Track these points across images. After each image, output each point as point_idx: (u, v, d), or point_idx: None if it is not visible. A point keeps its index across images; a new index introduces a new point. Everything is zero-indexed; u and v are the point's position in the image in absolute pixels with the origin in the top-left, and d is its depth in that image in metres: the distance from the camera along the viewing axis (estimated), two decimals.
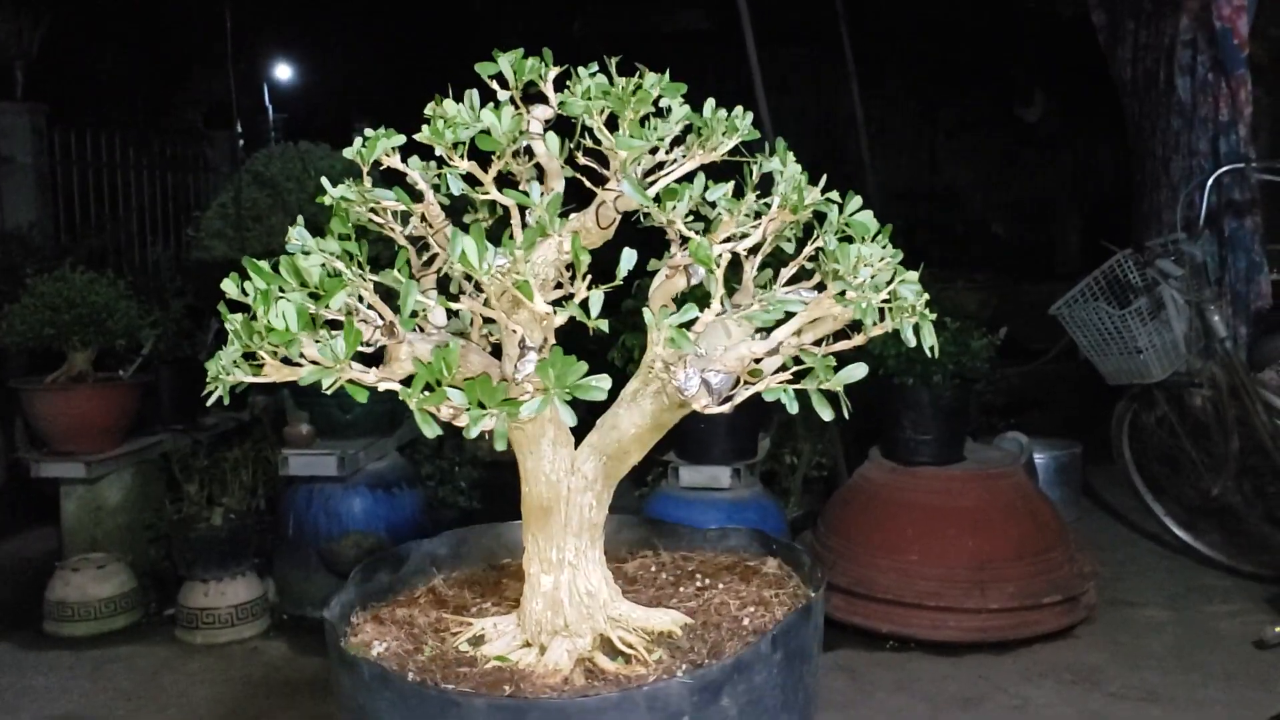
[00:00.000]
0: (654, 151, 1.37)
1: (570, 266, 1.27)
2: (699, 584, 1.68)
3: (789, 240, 1.44)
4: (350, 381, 1.23)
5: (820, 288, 1.40)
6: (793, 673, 1.40)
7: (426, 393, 1.16)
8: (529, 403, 1.14)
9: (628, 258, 1.28)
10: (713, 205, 1.38)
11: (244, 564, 3.99)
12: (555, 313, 1.25)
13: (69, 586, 3.98)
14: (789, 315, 1.37)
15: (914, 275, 1.36)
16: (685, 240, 1.35)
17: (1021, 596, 3.61)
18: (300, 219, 1.44)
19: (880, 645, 3.65)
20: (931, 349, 1.39)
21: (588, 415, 1.36)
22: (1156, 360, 4.06)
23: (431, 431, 1.17)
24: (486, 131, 1.34)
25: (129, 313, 4.22)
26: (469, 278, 1.32)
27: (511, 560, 1.77)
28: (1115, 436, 4.52)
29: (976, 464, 3.90)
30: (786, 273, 1.42)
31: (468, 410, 1.14)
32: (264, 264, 1.30)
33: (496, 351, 1.43)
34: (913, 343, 1.38)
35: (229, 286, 1.29)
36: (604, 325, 1.24)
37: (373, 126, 1.51)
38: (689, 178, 1.39)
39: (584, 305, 1.25)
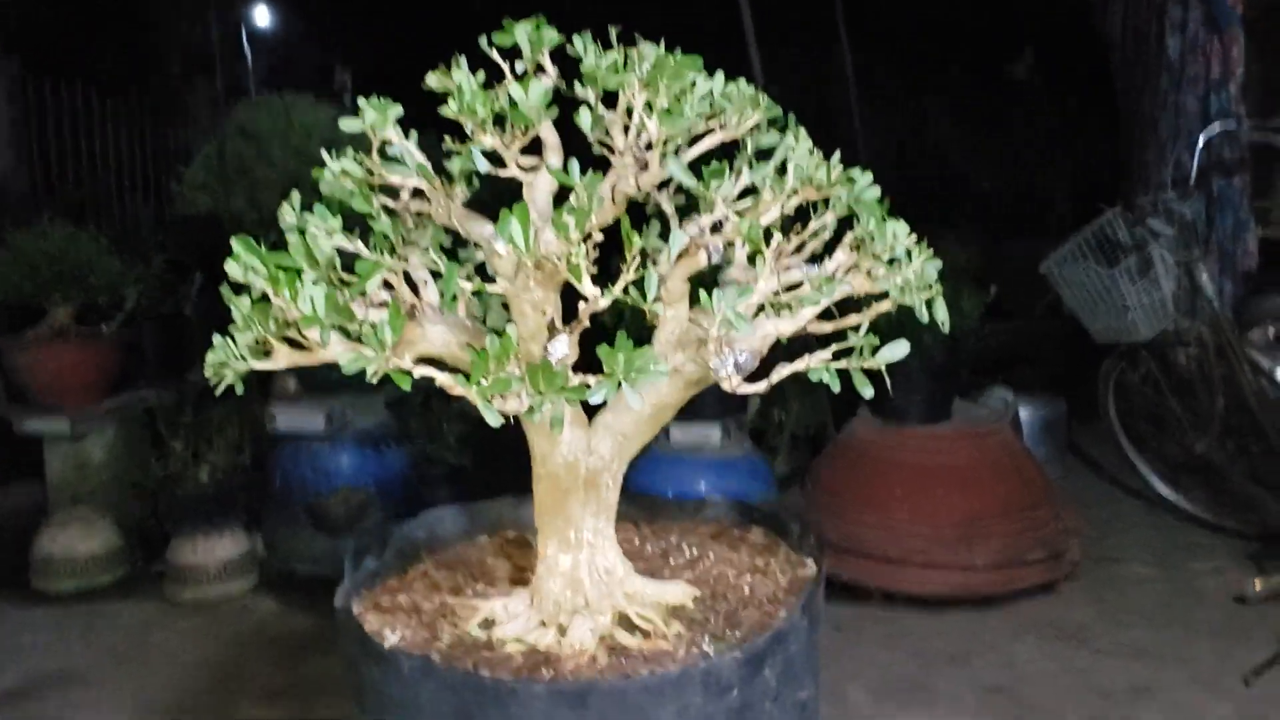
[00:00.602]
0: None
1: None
2: (689, 555, 1.67)
3: (789, 215, 1.41)
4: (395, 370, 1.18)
5: (815, 260, 1.39)
6: (813, 636, 1.41)
7: (485, 381, 1.12)
8: (595, 390, 1.11)
9: (678, 239, 1.26)
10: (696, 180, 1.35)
11: (231, 521, 3.98)
12: (601, 295, 1.21)
13: (55, 543, 3.97)
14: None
15: (933, 258, 1.35)
16: (710, 220, 1.32)
17: (1007, 553, 3.64)
18: (295, 194, 1.40)
19: (867, 600, 3.68)
20: (942, 322, 1.38)
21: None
22: (1144, 319, 4.06)
23: (496, 420, 1.12)
24: (513, 104, 1.28)
25: (110, 268, 4.17)
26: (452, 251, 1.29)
27: (489, 538, 1.76)
28: (1101, 394, 4.54)
29: (964, 422, 3.92)
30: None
31: (531, 399, 1.10)
32: (261, 248, 1.26)
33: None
34: (925, 318, 1.37)
35: (232, 269, 1.25)
36: (659, 309, 1.22)
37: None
38: (714, 155, 1.37)
39: (638, 286, 1.22)
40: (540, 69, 1.33)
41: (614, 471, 1.41)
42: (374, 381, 1.17)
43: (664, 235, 1.40)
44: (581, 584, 1.39)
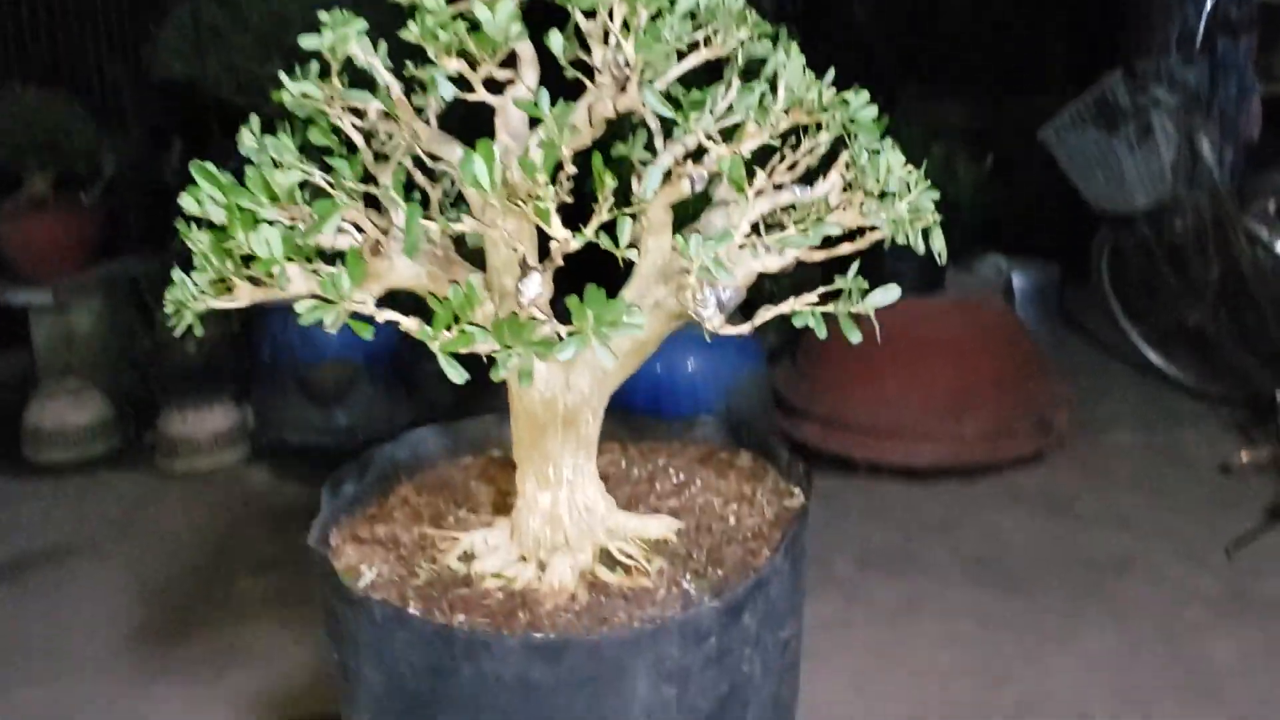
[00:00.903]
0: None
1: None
2: (675, 480, 1.64)
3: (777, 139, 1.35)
4: (354, 316, 1.13)
5: (805, 181, 1.33)
6: (796, 575, 1.40)
7: (448, 334, 1.06)
8: (564, 347, 1.05)
9: (656, 171, 1.21)
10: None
11: (221, 392, 3.97)
12: (573, 238, 1.15)
13: (45, 414, 3.97)
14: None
15: (930, 188, 1.29)
16: (695, 148, 1.25)
17: (996, 424, 3.65)
18: (255, 119, 1.32)
19: (854, 471, 3.70)
20: (940, 253, 1.33)
21: None
22: (1142, 188, 4.00)
23: (459, 377, 1.07)
24: (475, 26, 1.19)
25: (87, 134, 4.08)
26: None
27: (473, 458, 1.73)
28: (1095, 261, 4.50)
29: (957, 293, 3.90)
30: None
31: (498, 354, 1.04)
32: (223, 176, 1.19)
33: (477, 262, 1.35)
34: (922, 250, 1.33)
35: (188, 202, 1.19)
36: (633, 255, 1.17)
37: None
38: (701, 71, 1.29)
39: (608, 230, 1.16)
40: None
41: (594, 407, 1.37)
42: (333, 332, 1.12)
43: (650, 146, 1.34)
44: (561, 521, 1.37)
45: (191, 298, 1.18)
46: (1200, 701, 2.46)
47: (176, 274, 1.19)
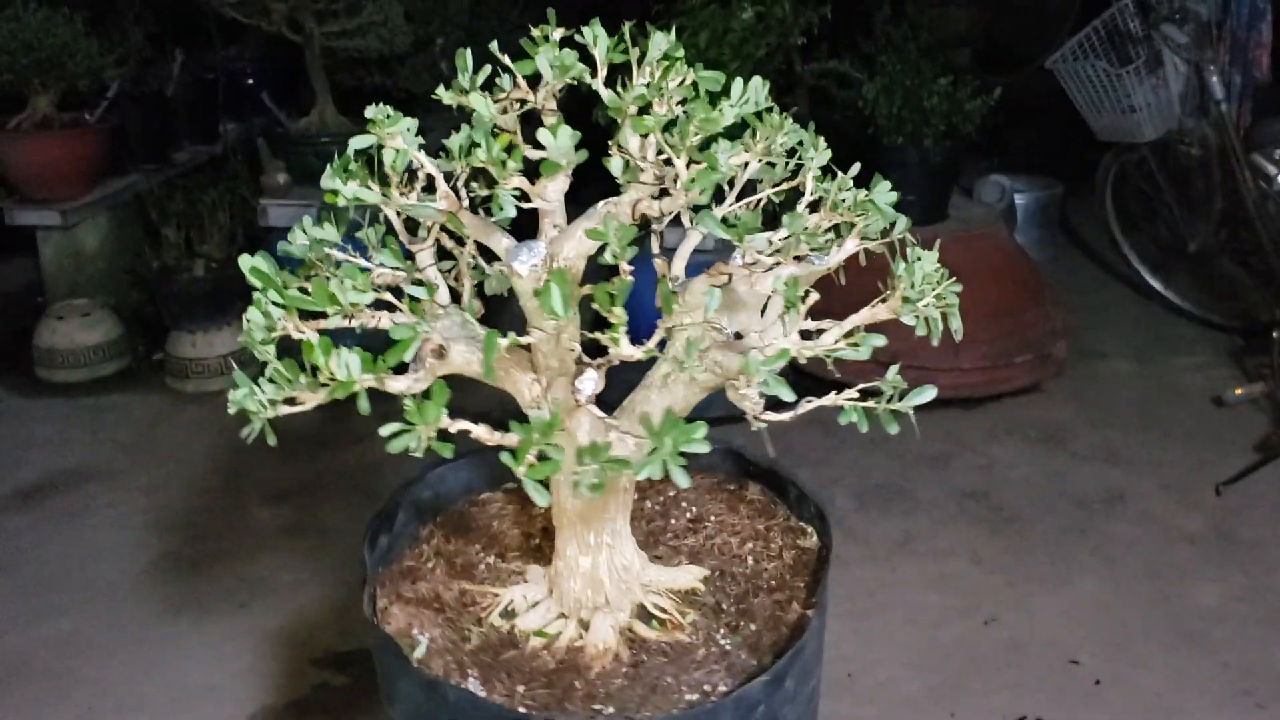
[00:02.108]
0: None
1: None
2: (688, 515, 1.68)
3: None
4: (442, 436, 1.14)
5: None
6: (822, 621, 1.46)
7: (533, 460, 1.08)
8: (642, 467, 1.08)
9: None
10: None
11: (229, 314, 4.01)
12: (640, 351, 1.18)
13: (56, 334, 4.02)
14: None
15: (950, 282, 1.32)
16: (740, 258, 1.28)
17: (994, 356, 3.71)
18: (307, 219, 1.32)
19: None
20: (956, 331, 1.36)
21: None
22: (1150, 119, 3.99)
23: (544, 500, 1.09)
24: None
25: (90, 51, 4.04)
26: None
27: (490, 493, 1.76)
28: (1099, 188, 4.50)
29: (958, 223, 3.91)
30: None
31: (577, 475, 1.07)
32: (281, 277, 1.20)
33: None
34: (923, 333, 1.36)
35: (254, 315, 1.20)
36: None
37: None
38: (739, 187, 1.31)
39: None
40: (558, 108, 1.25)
41: (631, 476, 1.41)
42: (419, 454, 1.14)
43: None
44: (602, 584, 1.42)
45: (261, 407, 1.20)
46: (1185, 646, 2.57)
47: (239, 377, 1.21)
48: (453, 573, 1.55)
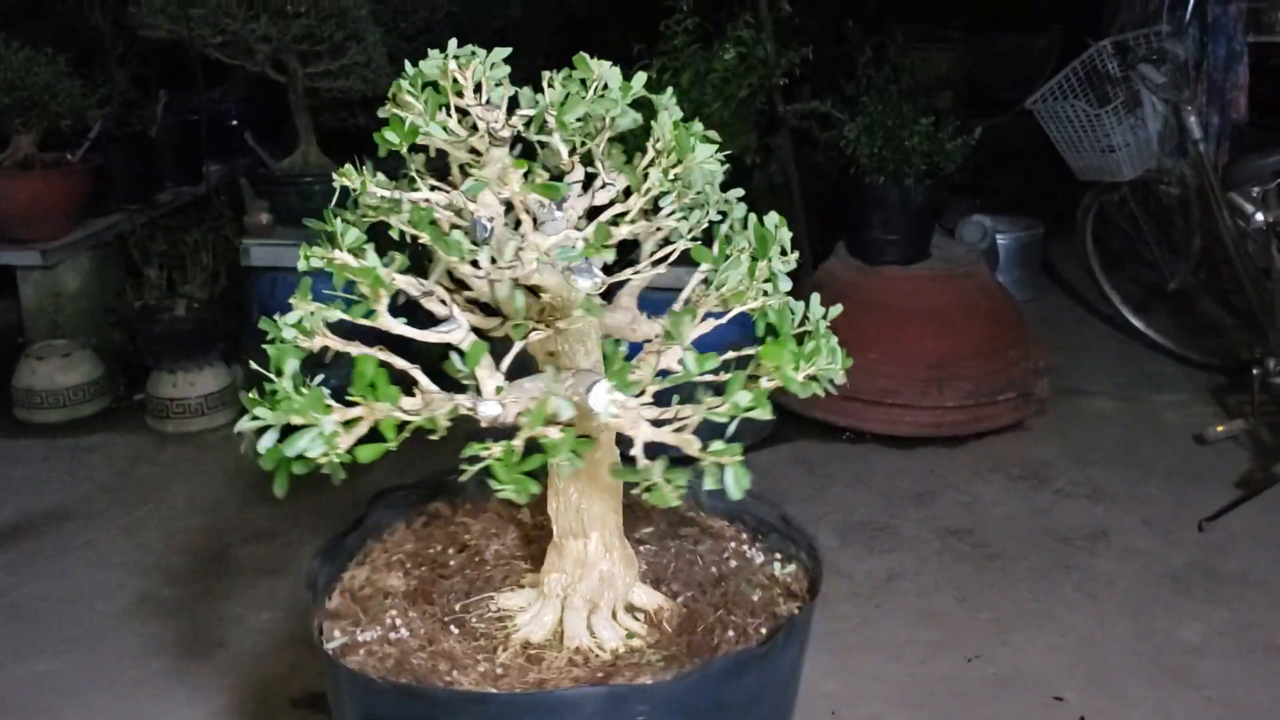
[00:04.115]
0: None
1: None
2: (651, 524, 1.72)
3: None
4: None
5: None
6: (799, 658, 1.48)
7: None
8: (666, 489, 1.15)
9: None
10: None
11: (211, 354, 3.99)
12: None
13: (35, 375, 3.99)
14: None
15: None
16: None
17: (977, 394, 3.71)
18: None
19: (837, 438, 3.77)
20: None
21: None
22: (1129, 159, 4.03)
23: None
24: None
25: (73, 91, 4.05)
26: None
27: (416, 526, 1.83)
28: (1079, 227, 4.54)
29: (941, 262, 3.92)
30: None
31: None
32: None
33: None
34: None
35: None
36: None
37: None
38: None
39: None
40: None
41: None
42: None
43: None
44: (590, 590, 1.47)
45: (331, 446, 1.20)
46: (1170, 681, 2.55)
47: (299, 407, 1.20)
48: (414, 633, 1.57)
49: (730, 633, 1.47)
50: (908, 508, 3.37)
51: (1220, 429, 3.62)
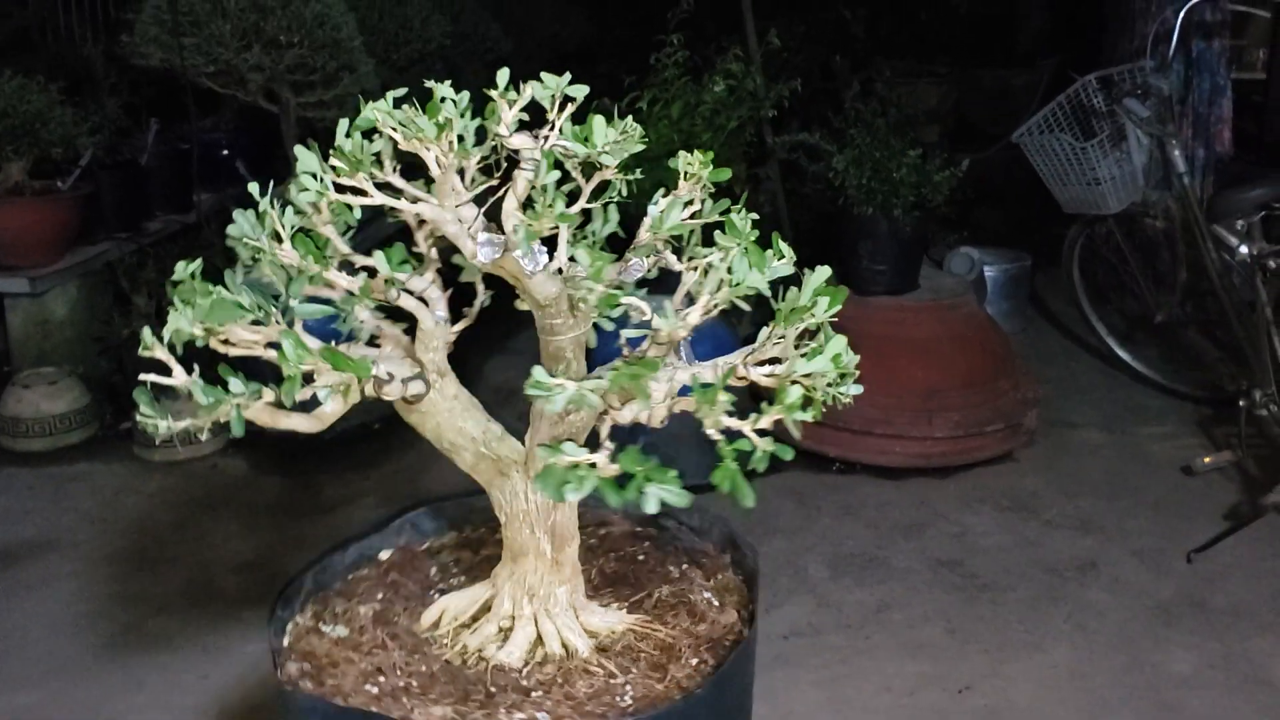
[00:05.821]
0: None
1: None
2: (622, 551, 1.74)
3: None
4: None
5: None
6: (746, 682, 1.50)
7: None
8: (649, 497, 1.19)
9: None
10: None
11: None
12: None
13: (21, 403, 3.97)
14: None
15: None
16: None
17: (967, 425, 3.72)
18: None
19: (827, 469, 3.77)
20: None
21: None
22: (1114, 192, 4.06)
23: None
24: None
25: (63, 120, 4.05)
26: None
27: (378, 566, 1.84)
28: (1066, 260, 4.57)
29: (930, 293, 3.94)
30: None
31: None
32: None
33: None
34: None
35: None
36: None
37: None
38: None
39: None
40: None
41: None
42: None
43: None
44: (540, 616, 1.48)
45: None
46: (1160, 713, 2.55)
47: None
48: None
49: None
50: (898, 538, 3.37)
51: (1207, 460, 3.63)
